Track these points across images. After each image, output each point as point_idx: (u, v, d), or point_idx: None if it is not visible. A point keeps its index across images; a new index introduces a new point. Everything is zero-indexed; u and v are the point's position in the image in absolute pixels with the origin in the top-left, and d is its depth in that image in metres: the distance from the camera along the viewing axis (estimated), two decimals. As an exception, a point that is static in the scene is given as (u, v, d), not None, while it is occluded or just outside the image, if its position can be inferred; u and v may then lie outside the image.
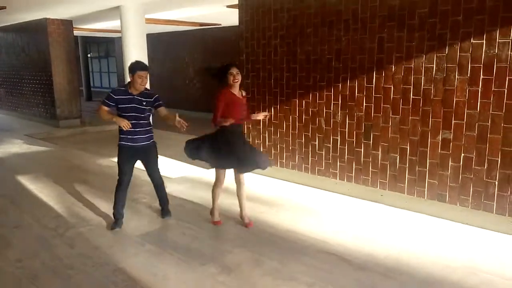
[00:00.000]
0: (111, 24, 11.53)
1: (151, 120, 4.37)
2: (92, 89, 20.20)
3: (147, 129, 4.18)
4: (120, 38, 9.26)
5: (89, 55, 24.61)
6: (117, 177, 4.24)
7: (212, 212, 4.38)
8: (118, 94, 4.06)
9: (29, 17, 10.35)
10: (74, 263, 3.54)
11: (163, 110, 4.17)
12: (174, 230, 4.20)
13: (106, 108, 4.06)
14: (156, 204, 4.89)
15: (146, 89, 4.14)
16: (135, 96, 4.06)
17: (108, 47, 23.17)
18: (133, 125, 4.01)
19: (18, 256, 3.70)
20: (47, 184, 5.81)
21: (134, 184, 5.81)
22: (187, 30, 13.04)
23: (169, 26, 12.19)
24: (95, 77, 25.17)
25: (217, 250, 3.78)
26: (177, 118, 3.91)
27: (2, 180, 6.21)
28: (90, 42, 22.68)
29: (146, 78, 4.03)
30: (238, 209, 4.32)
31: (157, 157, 4.37)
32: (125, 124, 3.93)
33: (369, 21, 4.76)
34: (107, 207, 4.83)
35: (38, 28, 10.72)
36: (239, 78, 4.02)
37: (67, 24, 10.67)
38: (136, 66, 3.99)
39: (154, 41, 13.40)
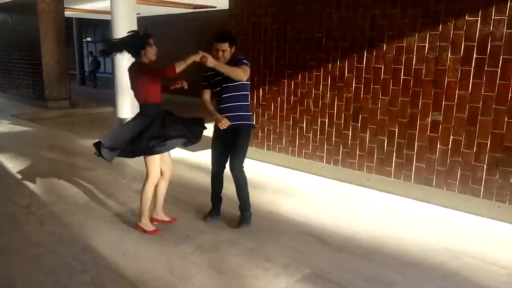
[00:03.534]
0: (103, 4, 11.27)
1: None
2: (86, 73, 19.95)
3: (232, 106, 3.65)
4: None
5: (85, 40, 24.32)
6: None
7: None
8: None
9: (18, -5, 10.11)
10: (42, 241, 3.39)
11: None
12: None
13: None
14: (134, 184, 4.76)
15: (235, 57, 3.67)
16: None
17: (105, 31, 22.84)
18: (219, 101, 3.69)
19: (-15, 233, 3.55)
20: (26, 162, 5.64)
21: (113, 165, 5.67)
22: (180, 13, 12.78)
23: (162, 9, 11.94)
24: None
25: (193, 230, 3.62)
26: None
27: (-19, 158, 6.04)
28: (85, 25, 22.36)
29: (225, 50, 3.51)
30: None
31: (240, 142, 3.68)
32: None
33: (361, -3, 4.57)
34: (84, 186, 4.69)
35: (27, 7, 10.47)
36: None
37: (58, 3, 10.40)
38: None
39: (146, 24, 13.13)
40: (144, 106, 3.46)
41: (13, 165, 5.49)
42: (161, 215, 3.75)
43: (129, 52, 3.40)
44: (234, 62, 3.53)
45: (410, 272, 2.92)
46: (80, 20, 18.74)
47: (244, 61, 3.53)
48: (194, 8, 11.87)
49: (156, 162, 3.44)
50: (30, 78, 11.06)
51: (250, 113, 3.71)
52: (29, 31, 10.65)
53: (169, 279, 2.83)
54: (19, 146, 6.60)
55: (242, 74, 3.43)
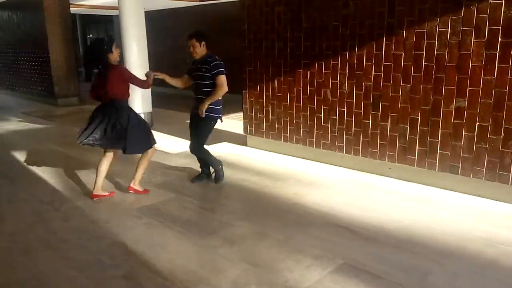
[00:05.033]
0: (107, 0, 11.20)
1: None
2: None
3: (201, 98, 4.26)
4: (118, 16, 8.94)
5: (88, 36, 24.23)
6: None
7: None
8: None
9: (24, -9, 10.05)
10: (69, 237, 3.37)
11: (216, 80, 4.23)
12: (173, 204, 4.01)
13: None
14: (155, 179, 4.74)
15: (209, 56, 4.26)
16: (198, 63, 4.29)
17: (107, 27, 22.73)
18: (194, 92, 4.39)
19: (10, 230, 3.53)
20: (43, 159, 5.62)
21: (132, 158, 5.64)
22: (187, 7, 12.68)
23: (169, 3, 11.84)
24: (95, 58, 24.74)
25: (219, 223, 3.59)
26: None
27: (-3, 157, 6.03)
28: (89, 22, 22.26)
29: (194, 46, 4.20)
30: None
31: (201, 129, 4.37)
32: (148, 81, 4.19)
33: (379, -16, 4.47)
34: (104, 182, 4.65)
35: (33, 4, 10.42)
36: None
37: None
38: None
39: (153, 18, 13.04)
40: (124, 101, 4.05)
41: (31, 162, 5.47)
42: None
43: (100, 56, 3.85)
44: (207, 62, 4.19)
45: (445, 261, 2.87)
46: (83, 17, 18.66)
47: (219, 69, 4.17)
48: (201, 0, 11.77)
49: None
50: (38, 76, 11.04)
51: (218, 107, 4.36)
52: (35, 29, 10.62)
53: (201, 273, 2.80)
54: (33, 144, 6.59)
55: (224, 92, 4.22)
